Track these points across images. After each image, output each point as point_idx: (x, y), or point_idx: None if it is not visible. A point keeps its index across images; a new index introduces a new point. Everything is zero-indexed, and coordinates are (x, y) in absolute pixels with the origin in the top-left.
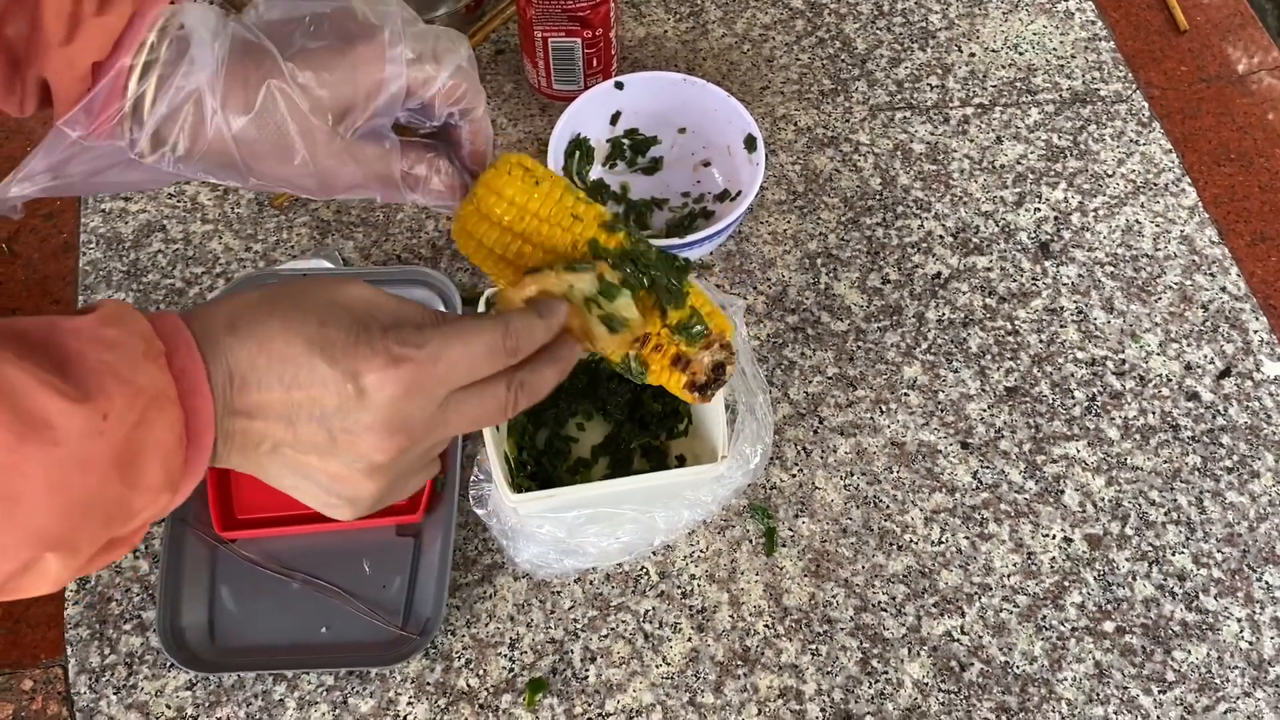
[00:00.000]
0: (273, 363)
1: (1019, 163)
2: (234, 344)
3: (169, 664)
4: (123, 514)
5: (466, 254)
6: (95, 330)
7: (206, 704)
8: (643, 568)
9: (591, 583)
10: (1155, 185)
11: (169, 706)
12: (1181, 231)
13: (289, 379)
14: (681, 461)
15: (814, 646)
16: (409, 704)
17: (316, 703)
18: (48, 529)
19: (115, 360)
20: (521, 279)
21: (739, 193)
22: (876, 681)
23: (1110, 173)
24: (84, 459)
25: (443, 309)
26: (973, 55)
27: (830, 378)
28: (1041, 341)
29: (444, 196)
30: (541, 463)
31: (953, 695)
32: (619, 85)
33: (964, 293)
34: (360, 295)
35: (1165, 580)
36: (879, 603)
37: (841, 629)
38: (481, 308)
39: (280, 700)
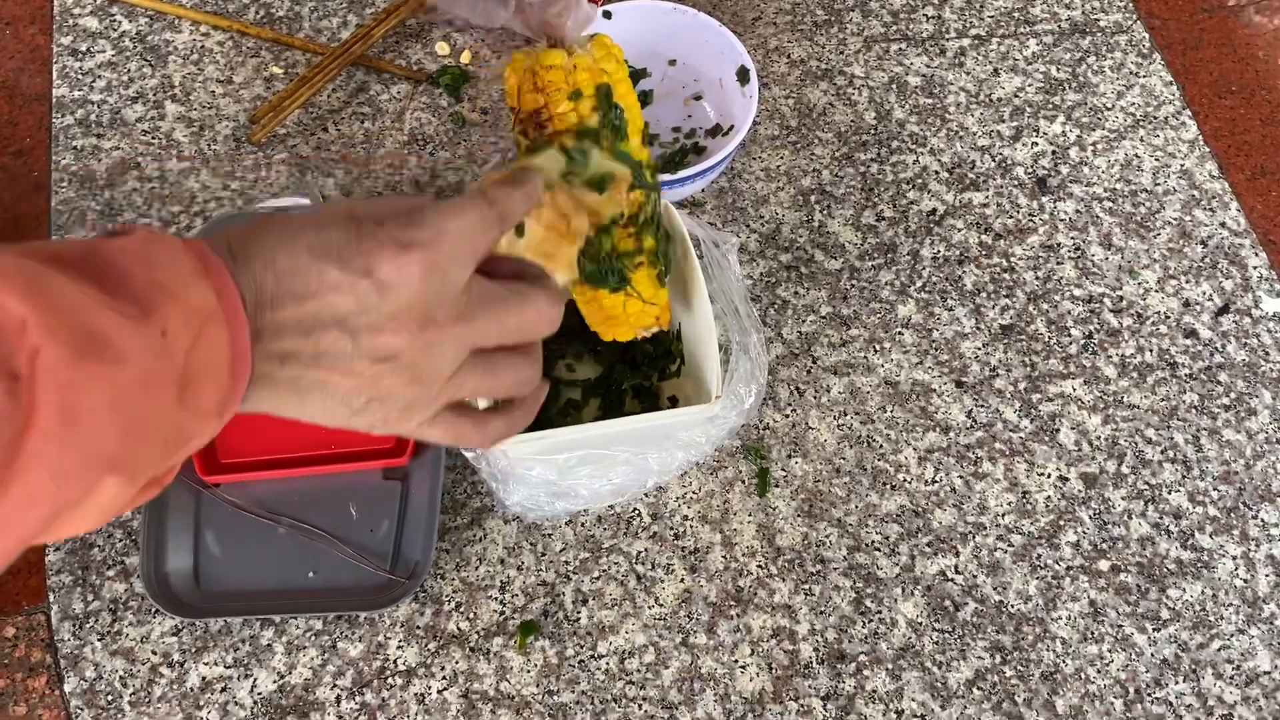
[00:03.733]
0: (281, 279)
1: (1016, 95)
2: (239, 268)
3: (154, 610)
4: (178, 439)
5: (508, 87)
6: (141, 249)
7: (193, 649)
8: (635, 509)
9: (583, 525)
10: (1155, 119)
11: (155, 652)
12: (1181, 166)
13: (300, 290)
14: (674, 403)
15: (807, 586)
16: (399, 648)
17: (305, 647)
18: (110, 451)
19: (166, 279)
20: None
21: (731, 127)
22: (870, 621)
23: (1109, 106)
24: (147, 378)
25: None
26: None
27: (824, 317)
28: (1038, 279)
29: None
30: None
31: (947, 635)
32: (607, 15)
33: (959, 230)
34: (344, 201)
35: (1161, 519)
36: (872, 542)
37: (835, 569)
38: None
39: (268, 645)
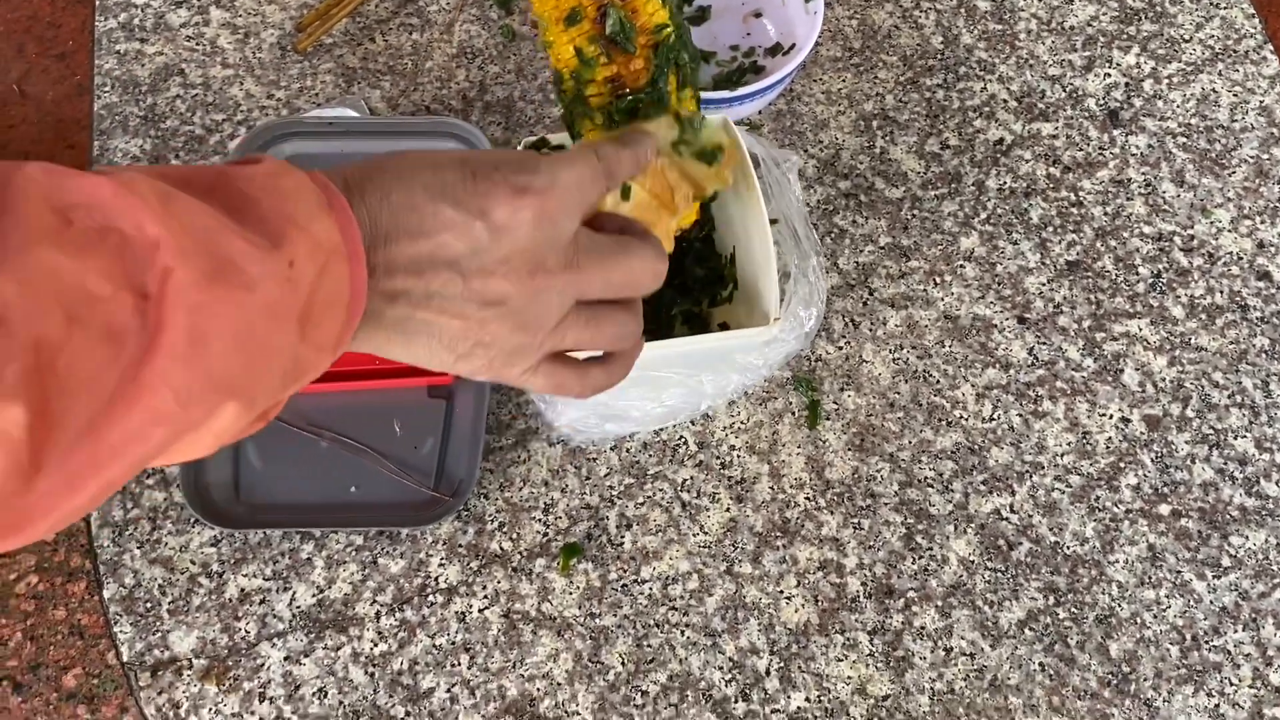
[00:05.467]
0: (397, 215)
1: (1090, 24)
2: (355, 203)
3: (193, 520)
4: (296, 370)
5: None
6: (270, 180)
7: (232, 560)
8: (681, 437)
9: (629, 450)
10: (1235, 52)
11: (193, 562)
12: (1260, 102)
13: (414, 228)
14: (725, 329)
15: (856, 520)
16: (440, 565)
17: (345, 562)
18: (233, 377)
19: (294, 210)
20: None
21: (792, 46)
22: (920, 558)
23: (1187, 38)
24: (273, 307)
25: None
26: None
27: (882, 247)
28: (1106, 214)
29: None
30: None
31: (999, 574)
32: None
33: (1027, 161)
34: (454, 148)
35: (1225, 464)
36: (925, 479)
37: (885, 504)
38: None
39: (308, 559)
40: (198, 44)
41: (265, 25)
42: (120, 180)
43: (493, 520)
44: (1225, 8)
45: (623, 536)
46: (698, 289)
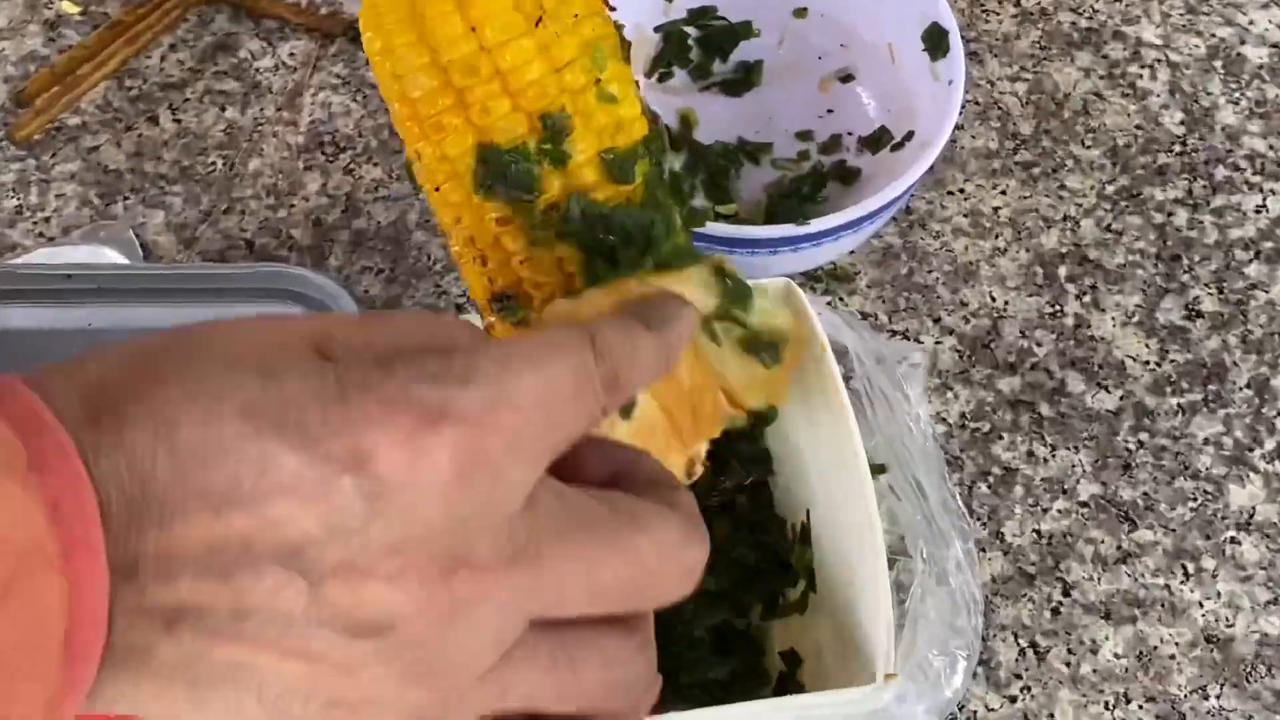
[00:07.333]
0: (185, 464)
1: None
2: (103, 443)
3: None
4: None
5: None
6: None
7: None
8: None
9: None
10: None
11: None
12: None
13: (219, 490)
14: (791, 665)
15: None
16: None
17: None
18: None
19: None
20: (587, 290)
21: (910, 135)
22: None
23: None
24: None
25: None
26: None
27: (1085, 503)
28: None
29: None
30: None
31: None
32: None
33: None
34: (307, 318)
35: None
36: None
37: None
38: None
39: None
40: None
41: None
42: None
43: None
44: None
45: None
46: (743, 585)
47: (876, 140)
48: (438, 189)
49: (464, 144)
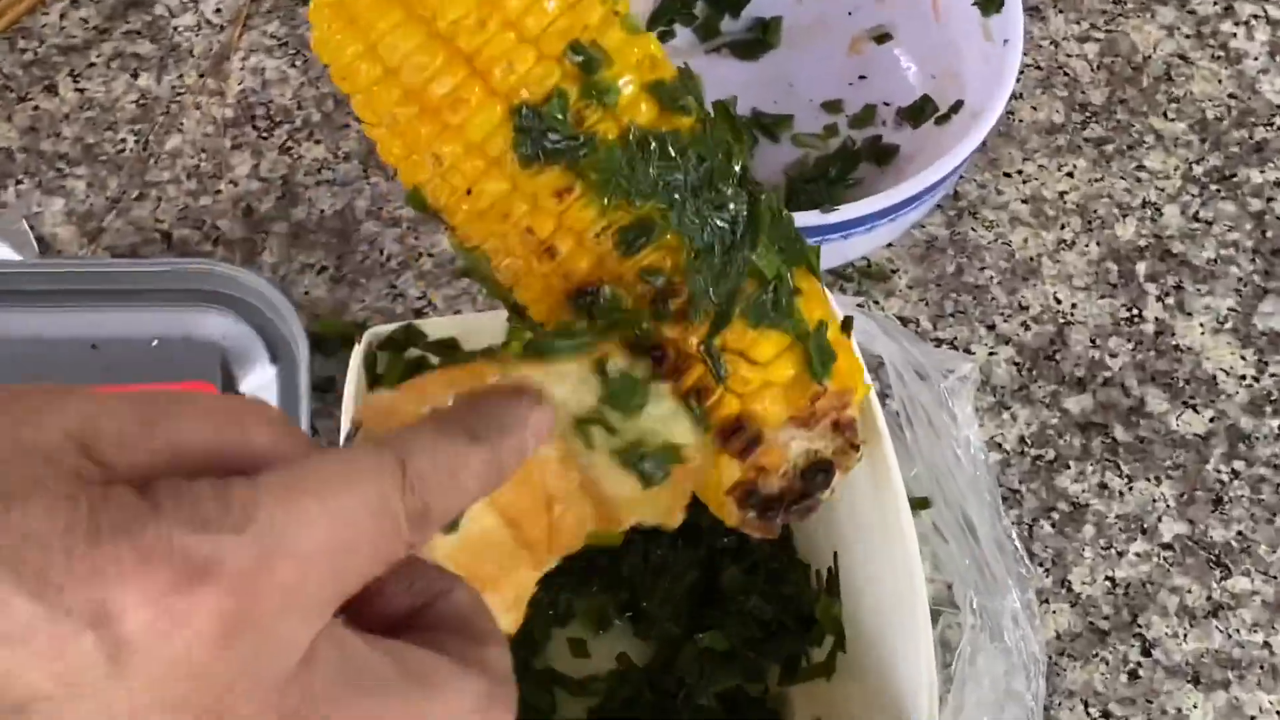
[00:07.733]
0: None
1: None
2: None
3: None
4: None
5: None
6: None
7: None
8: None
9: None
10: None
11: None
12: None
13: None
14: None
15: None
16: None
17: None
18: None
19: None
20: (417, 378)
21: (957, 105)
22: None
23: None
24: None
25: (270, 401)
26: None
27: (1168, 545)
28: None
29: None
30: None
31: None
32: None
33: None
34: (75, 402)
35: None
36: None
37: None
38: (347, 402)
39: None
40: None
41: None
42: None
43: None
44: None
45: None
46: (757, 644)
47: (918, 111)
48: (469, 191)
49: (493, 117)
